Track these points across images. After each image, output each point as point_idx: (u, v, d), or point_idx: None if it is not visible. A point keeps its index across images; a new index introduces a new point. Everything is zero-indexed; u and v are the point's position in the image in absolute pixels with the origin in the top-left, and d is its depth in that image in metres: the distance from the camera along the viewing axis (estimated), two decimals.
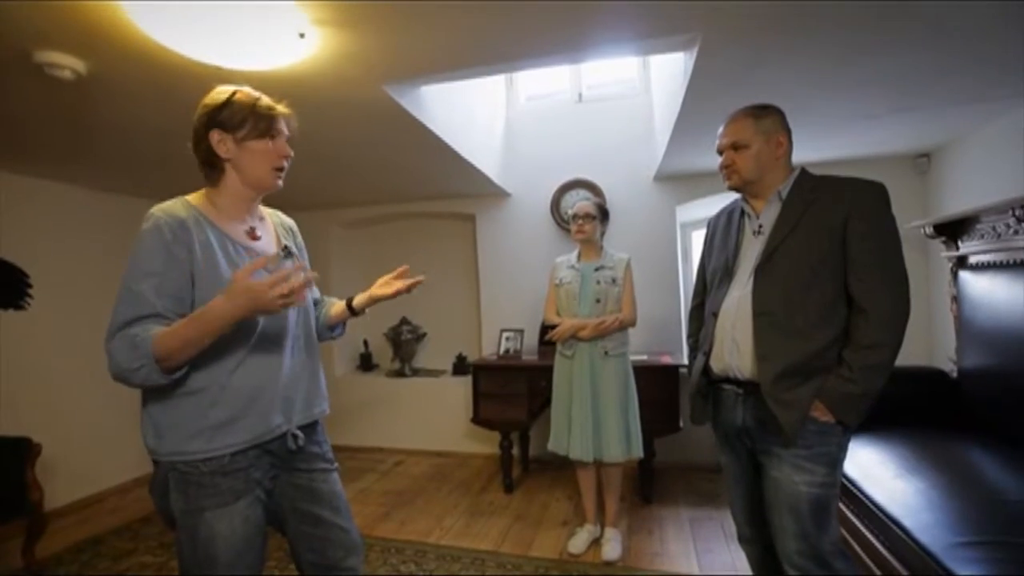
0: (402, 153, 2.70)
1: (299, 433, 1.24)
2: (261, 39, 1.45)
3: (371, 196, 3.83)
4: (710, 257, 1.62)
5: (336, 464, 1.37)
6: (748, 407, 1.41)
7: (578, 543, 2.43)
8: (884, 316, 1.28)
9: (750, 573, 2.14)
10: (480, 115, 3.15)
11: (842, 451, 1.36)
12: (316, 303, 1.44)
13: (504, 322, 3.66)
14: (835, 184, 1.39)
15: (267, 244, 1.27)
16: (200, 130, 1.15)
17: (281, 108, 1.21)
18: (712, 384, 1.53)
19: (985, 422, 2.22)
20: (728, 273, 1.48)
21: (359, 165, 2.87)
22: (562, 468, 3.42)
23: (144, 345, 1.00)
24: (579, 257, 2.53)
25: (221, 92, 1.16)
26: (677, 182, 3.47)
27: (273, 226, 1.33)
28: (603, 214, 2.52)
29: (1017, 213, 2.03)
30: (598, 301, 2.42)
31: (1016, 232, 2.07)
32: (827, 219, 1.34)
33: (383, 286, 1.41)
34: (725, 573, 2.20)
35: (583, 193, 3.56)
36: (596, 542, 2.46)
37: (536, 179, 3.71)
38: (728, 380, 1.47)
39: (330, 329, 1.45)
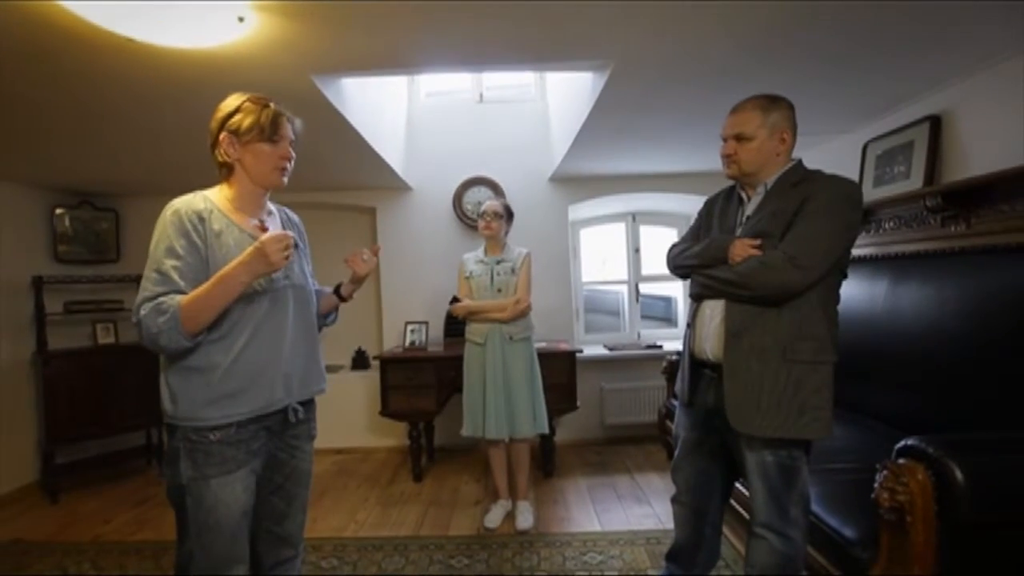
0: (313, 143, 2.61)
1: (299, 407, 1.37)
2: (198, 18, 1.38)
3: None
4: (708, 230, 1.60)
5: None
6: (719, 390, 1.43)
7: (494, 518, 2.62)
8: (773, 262, 1.28)
9: (643, 527, 2.52)
10: (387, 109, 3.15)
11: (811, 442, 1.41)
12: (316, 294, 1.55)
13: (407, 315, 3.69)
14: (814, 178, 1.38)
15: None
16: (214, 132, 1.28)
17: (286, 114, 1.33)
18: (694, 365, 1.56)
19: None
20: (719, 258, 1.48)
21: None
22: (468, 454, 3.57)
23: (171, 308, 1.15)
24: (486, 252, 2.73)
25: (234, 99, 1.28)
26: (571, 183, 3.80)
27: (280, 221, 1.46)
28: (509, 214, 2.75)
29: None
30: (499, 291, 2.65)
31: None
32: (787, 210, 1.34)
33: (354, 263, 1.54)
34: (623, 528, 2.53)
35: (485, 191, 3.73)
36: (509, 515, 2.66)
37: (438, 174, 3.79)
38: (704, 363, 1.51)
39: (323, 316, 1.59)
